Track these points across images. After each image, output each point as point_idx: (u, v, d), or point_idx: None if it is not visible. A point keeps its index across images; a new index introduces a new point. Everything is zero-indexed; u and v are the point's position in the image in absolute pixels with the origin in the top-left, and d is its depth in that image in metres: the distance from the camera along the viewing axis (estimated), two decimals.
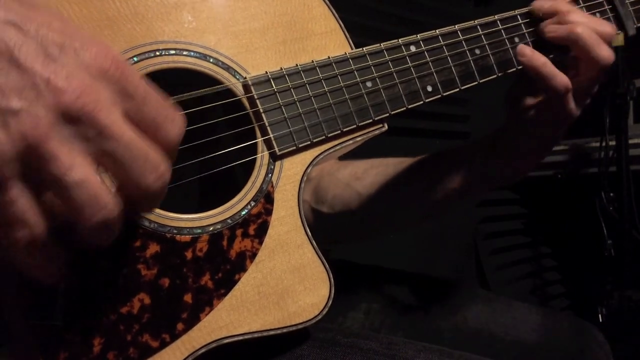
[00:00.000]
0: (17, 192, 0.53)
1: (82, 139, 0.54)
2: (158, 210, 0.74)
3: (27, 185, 0.53)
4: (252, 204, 0.80)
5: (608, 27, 1.01)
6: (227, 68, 0.81)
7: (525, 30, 1.04)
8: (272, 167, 0.83)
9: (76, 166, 0.53)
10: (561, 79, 0.98)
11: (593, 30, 0.98)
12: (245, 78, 0.82)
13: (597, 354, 1.29)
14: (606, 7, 1.13)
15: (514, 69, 1.03)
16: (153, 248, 0.73)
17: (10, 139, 0.51)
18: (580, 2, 1.10)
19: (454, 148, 1.18)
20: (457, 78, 0.98)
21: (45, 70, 0.52)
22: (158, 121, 0.59)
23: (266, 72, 0.83)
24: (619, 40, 1.16)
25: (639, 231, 2.43)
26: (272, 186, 0.82)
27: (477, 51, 1.00)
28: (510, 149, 1.09)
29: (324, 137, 0.86)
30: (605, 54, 0.98)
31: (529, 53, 1.00)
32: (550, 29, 1.02)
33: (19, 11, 0.53)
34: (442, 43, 0.98)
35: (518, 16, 1.04)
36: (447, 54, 0.98)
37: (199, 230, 0.76)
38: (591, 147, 2.78)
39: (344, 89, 0.89)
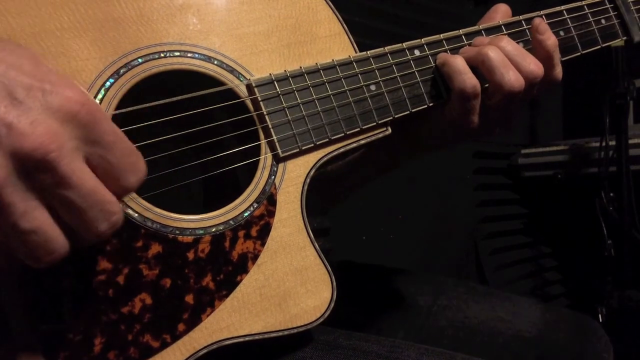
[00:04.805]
0: None
1: (39, 187, 0.54)
2: (160, 211, 0.74)
3: None
4: (255, 205, 0.81)
5: (523, 58, 0.95)
6: (231, 70, 0.81)
7: (529, 37, 1.03)
8: (275, 169, 0.83)
9: (29, 214, 0.54)
10: (464, 78, 0.95)
11: (507, 55, 0.95)
12: (249, 80, 0.82)
13: (597, 347, 1.29)
14: (611, 13, 1.12)
15: None
16: (155, 248, 0.73)
17: None
18: (585, 8, 1.10)
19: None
20: None
21: (8, 115, 0.52)
22: (120, 169, 0.59)
23: (270, 74, 0.83)
24: (619, 41, 1.16)
25: (639, 231, 2.43)
26: (275, 188, 0.82)
27: None
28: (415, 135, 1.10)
29: (327, 139, 0.86)
30: (512, 78, 0.93)
31: (443, 60, 0.97)
32: (464, 49, 0.99)
33: None
34: (447, 47, 0.98)
35: (523, 21, 1.04)
36: None
37: (201, 232, 0.77)
38: (591, 147, 2.79)
39: (347, 92, 0.89)
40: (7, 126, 0.51)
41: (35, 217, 0.54)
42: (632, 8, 1.13)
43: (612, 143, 2.48)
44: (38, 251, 0.55)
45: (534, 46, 1.00)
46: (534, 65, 0.96)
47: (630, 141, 2.49)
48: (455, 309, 1.28)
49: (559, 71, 1.02)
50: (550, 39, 0.99)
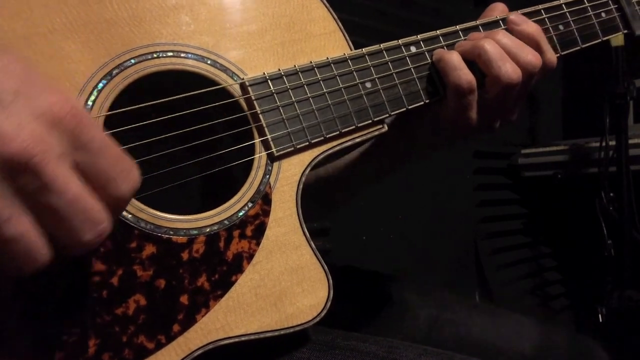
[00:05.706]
0: None
1: (23, 191, 0.53)
2: (154, 212, 0.74)
3: None
4: (250, 205, 0.80)
5: (521, 50, 0.96)
6: (225, 70, 0.81)
7: None
8: (270, 168, 0.83)
9: (12, 220, 0.52)
10: (459, 74, 0.95)
11: (503, 48, 0.95)
12: (243, 79, 0.82)
13: None
14: (612, 6, 1.12)
15: None
16: (149, 249, 0.73)
17: None
18: (585, 1, 1.10)
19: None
20: None
21: None
22: (110, 175, 0.58)
23: (264, 73, 0.83)
24: (619, 40, 1.16)
25: (639, 231, 2.43)
26: (270, 187, 0.82)
27: None
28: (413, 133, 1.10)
29: (322, 137, 0.86)
30: (509, 70, 0.94)
31: (439, 56, 0.97)
32: (460, 44, 0.99)
33: None
34: (443, 43, 0.98)
35: None
36: None
37: (196, 232, 0.76)
38: (591, 147, 2.79)
39: (342, 89, 0.88)
40: None
41: (19, 223, 0.53)
42: (633, 1, 1.13)
43: (612, 143, 2.48)
44: (19, 260, 0.54)
45: (519, 39, 1.00)
46: (531, 56, 0.96)
47: (630, 141, 2.49)
48: (459, 323, 1.28)
49: (550, 56, 1.01)
50: (530, 26, 1.00)
